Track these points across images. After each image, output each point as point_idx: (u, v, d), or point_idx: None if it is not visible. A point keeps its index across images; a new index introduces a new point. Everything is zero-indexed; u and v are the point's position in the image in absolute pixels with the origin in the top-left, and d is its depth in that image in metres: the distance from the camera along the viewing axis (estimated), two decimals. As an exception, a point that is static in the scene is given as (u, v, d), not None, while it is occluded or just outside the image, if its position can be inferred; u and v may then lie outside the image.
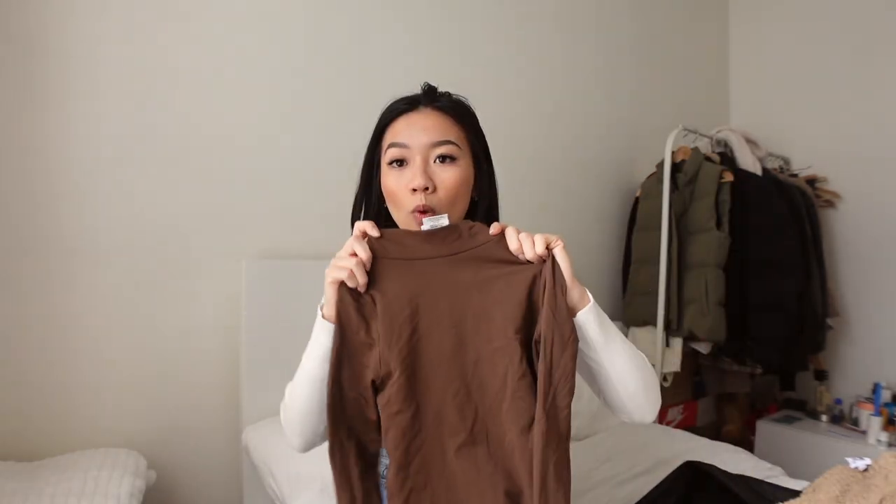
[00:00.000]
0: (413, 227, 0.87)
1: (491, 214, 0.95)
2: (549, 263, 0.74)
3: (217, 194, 1.60)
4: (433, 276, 0.77)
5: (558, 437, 0.70)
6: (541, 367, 0.71)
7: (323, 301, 0.83)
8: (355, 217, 0.96)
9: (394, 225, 0.92)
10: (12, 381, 1.34)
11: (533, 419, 0.72)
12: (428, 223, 0.78)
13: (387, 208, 0.92)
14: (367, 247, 0.77)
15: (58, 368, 1.39)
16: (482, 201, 0.94)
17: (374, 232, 0.79)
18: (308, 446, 0.89)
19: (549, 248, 0.76)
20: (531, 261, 0.76)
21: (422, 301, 0.76)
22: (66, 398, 1.40)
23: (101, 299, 1.44)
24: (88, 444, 1.39)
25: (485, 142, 0.95)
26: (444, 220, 0.78)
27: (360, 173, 0.95)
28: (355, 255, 0.77)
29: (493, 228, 0.79)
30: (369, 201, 0.94)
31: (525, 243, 0.76)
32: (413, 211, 0.85)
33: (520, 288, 0.74)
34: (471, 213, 0.93)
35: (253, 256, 1.63)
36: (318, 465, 1.29)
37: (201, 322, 1.58)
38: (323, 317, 0.81)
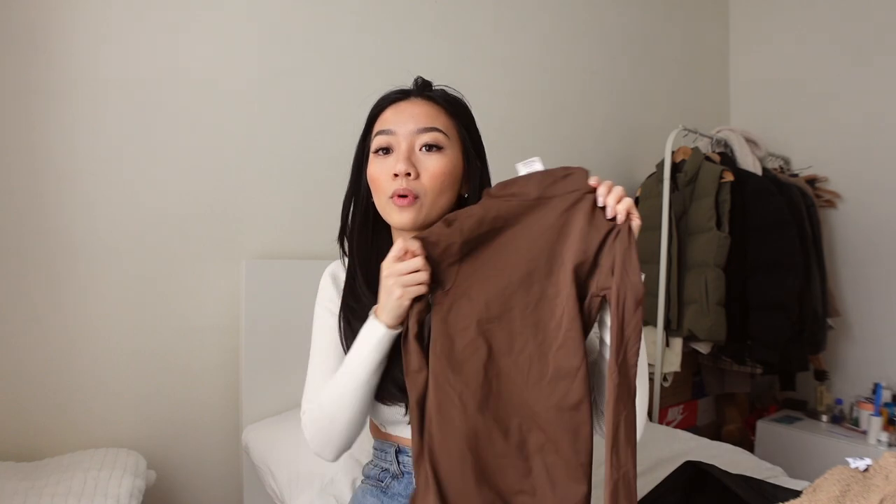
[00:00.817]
0: (392, 214, 0.85)
1: None
2: (625, 226, 0.74)
3: (217, 194, 1.60)
4: (521, 221, 0.79)
5: (628, 392, 0.71)
6: (613, 323, 0.72)
7: (380, 308, 0.79)
8: (346, 210, 0.93)
9: (381, 222, 0.90)
10: (12, 381, 1.34)
11: (578, 366, 0.73)
12: (523, 167, 0.79)
13: (374, 202, 0.89)
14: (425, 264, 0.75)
15: (57, 368, 1.39)
16: (472, 199, 0.90)
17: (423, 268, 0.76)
18: (341, 454, 0.88)
19: (628, 215, 0.75)
20: (605, 210, 0.76)
21: (502, 239, 0.78)
22: (66, 398, 1.40)
23: (100, 299, 1.44)
24: (88, 444, 1.39)
25: (478, 138, 0.93)
26: (537, 164, 0.79)
27: (351, 166, 0.93)
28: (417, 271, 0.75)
29: (593, 180, 0.78)
30: (358, 194, 0.92)
31: (613, 193, 0.75)
32: (391, 196, 0.83)
33: (593, 243, 0.76)
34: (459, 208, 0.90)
35: (252, 256, 1.63)
36: (318, 465, 1.30)
37: (201, 322, 1.58)
38: (383, 323, 0.78)
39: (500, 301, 0.77)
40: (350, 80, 1.82)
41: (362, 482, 1.03)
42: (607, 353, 0.76)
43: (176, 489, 1.55)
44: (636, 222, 0.75)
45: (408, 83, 0.92)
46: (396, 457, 0.93)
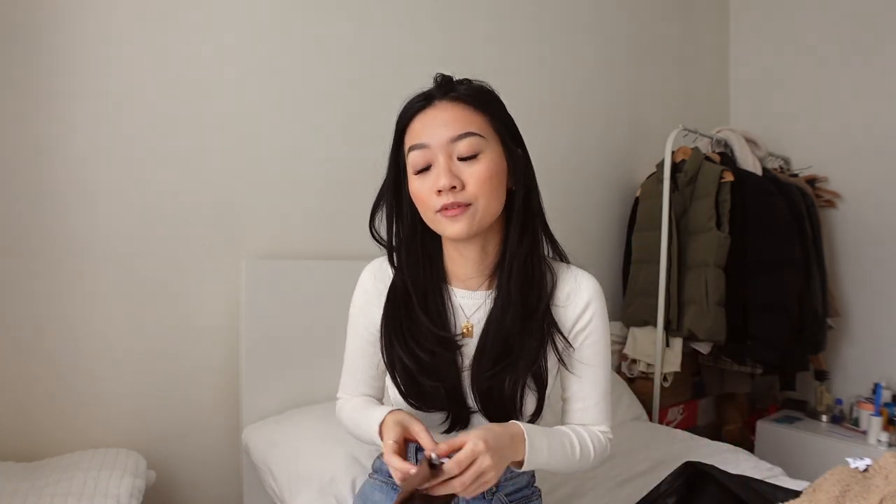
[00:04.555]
0: (444, 227, 0.83)
1: (529, 204, 0.89)
2: None
3: (217, 194, 1.60)
4: None
5: None
6: None
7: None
8: (389, 230, 0.90)
9: (430, 232, 0.88)
10: (12, 381, 1.34)
11: None
12: None
13: (419, 214, 0.87)
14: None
15: (58, 368, 1.39)
16: (518, 191, 0.87)
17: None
18: None
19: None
20: None
21: None
22: (66, 398, 1.40)
23: (101, 299, 1.44)
24: (88, 444, 1.39)
25: (513, 125, 0.89)
26: None
27: (384, 178, 0.90)
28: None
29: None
30: (401, 211, 0.89)
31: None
32: (439, 210, 0.81)
33: None
34: (508, 205, 0.87)
35: (253, 256, 1.63)
36: (318, 465, 1.30)
37: (201, 322, 1.58)
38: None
39: None
40: (351, 80, 1.82)
41: (370, 476, 1.02)
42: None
43: (176, 489, 1.55)
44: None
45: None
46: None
